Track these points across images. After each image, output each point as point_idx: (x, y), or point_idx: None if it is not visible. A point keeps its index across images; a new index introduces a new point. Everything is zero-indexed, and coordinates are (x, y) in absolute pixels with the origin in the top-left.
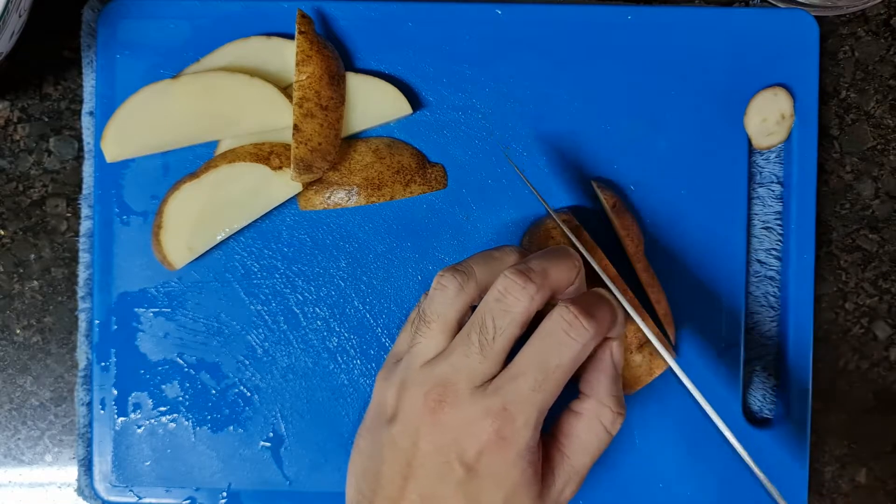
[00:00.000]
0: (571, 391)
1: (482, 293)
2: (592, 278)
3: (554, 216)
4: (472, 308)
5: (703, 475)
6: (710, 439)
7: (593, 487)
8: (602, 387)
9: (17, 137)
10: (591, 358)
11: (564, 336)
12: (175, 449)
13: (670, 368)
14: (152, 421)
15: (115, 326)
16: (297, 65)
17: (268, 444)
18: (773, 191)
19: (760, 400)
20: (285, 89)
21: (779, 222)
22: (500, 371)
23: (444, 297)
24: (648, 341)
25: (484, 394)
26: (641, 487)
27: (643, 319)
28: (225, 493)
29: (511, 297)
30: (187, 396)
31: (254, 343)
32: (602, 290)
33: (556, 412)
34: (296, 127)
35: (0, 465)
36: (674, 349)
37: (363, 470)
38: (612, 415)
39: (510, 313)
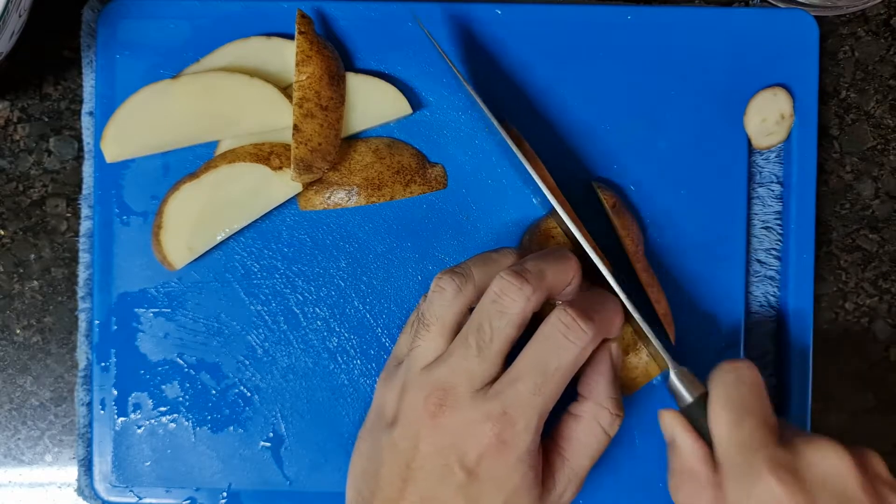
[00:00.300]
0: (571, 394)
1: (481, 295)
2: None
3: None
4: (472, 310)
5: None
6: None
7: (593, 488)
8: (600, 388)
9: (17, 137)
10: (589, 359)
11: (563, 339)
12: (175, 449)
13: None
14: (152, 421)
15: (115, 326)
16: (297, 65)
17: (268, 444)
18: (772, 191)
19: None
20: (285, 89)
21: (779, 222)
22: (500, 373)
23: (443, 299)
24: (645, 343)
25: (484, 398)
26: (641, 487)
27: (629, 301)
28: (225, 494)
29: (507, 299)
30: (187, 396)
31: (254, 343)
32: (603, 291)
33: (555, 415)
34: (296, 127)
35: (0, 465)
36: (674, 348)
37: (362, 471)
38: (611, 416)
39: (506, 314)
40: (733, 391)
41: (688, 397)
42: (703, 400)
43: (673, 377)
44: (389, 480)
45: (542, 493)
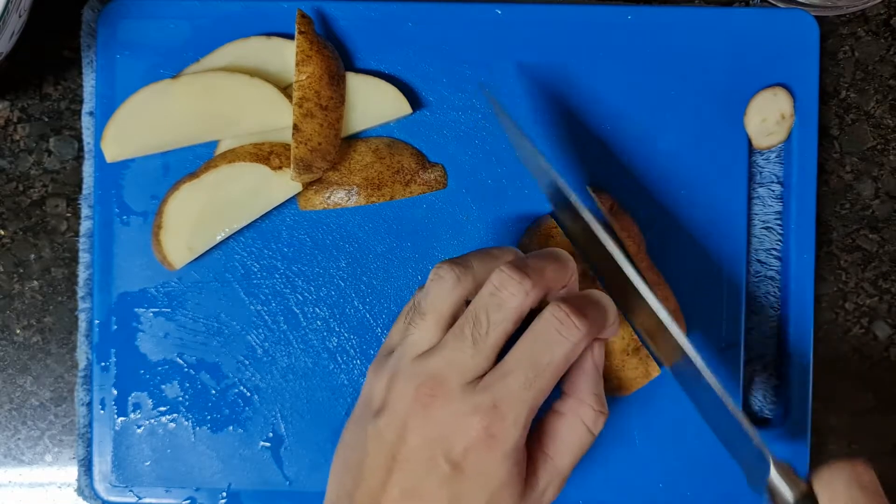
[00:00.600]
0: (556, 393)
1: (478, 289)
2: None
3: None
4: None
5: (702, 475)
6: (709, 439)
7: (593, 488)
8: (583, 386)
9: (17, 137)
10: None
11: (556, 334)
12: (175, 449)
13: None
14: (152, 421)
15: (115, 326)
16: (297, 65)
17: (268, 444)
18: (773, 191)
19: (760, 400)
20: (285, 89)
21: (779, 222)
22: (492, 367)
23: (441, 288)
24: (644, 342)
25: (475, 390)
26: (641, 487)
27: (660, 300)
28: (225, 493)
29: (506, 292)
30: (187, 396)
31: (254, 343)
32: (596, 291)
33: (539, 413)
34: (296, 127)
35: (0, 465)
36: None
37: (345, 462)
38: (594, 413)
39: (504, 308)
40: (858, 494)
41: (789, 497)
42: (806, 499)
43: (774, 474)
44: (373, 471)
45: (524, 490)
